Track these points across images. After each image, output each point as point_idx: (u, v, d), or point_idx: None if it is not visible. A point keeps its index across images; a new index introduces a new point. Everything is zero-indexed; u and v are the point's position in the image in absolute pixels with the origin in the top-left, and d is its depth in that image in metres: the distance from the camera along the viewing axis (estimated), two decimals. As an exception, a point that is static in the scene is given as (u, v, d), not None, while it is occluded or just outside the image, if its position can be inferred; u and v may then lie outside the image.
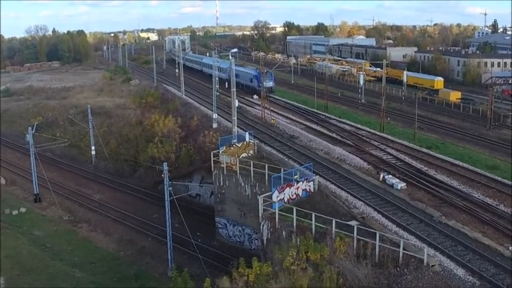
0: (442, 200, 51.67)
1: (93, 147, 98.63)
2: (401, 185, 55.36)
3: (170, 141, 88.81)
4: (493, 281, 35.72)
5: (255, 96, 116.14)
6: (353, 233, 40.07)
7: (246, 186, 58.31)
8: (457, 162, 65.43)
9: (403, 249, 37.87)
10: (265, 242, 48.44)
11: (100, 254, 64.37)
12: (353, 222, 42.98)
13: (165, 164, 57.65)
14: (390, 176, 58.10)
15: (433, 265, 37.17)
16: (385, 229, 44.05)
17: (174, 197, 56.01)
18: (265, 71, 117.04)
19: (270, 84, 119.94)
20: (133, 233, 68.51)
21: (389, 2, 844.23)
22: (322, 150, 71.11)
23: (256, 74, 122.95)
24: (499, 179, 58.70)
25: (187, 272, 47.26)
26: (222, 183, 62.17)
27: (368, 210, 48.79)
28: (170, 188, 56.38)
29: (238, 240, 61.54)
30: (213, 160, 62.61)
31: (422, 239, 41.99)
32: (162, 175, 57.04)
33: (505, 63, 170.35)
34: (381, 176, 58.38)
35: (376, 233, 39.15)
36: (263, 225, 48.31)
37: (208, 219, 66.63)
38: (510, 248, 40.49)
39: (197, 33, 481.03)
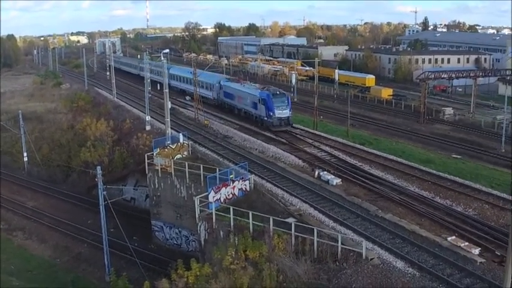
0: (378, 194, 52.23)
1: (25, 154, 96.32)
2: (336, 180, 55.78)
3: (103, 145, 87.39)
4: (433, 271, 36.14)
5: (187, 98, 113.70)
6: (291, 230, 40.08)
7: (182, 187, 57.71)
8: (391, 157, 66.37)
9: (342, 244, 37.99)
10: (203, 243, 48.01)
11: (36, 262, 62.93)
12: (290, 220, 42.92)
13: (98, 167, 56.29)
14: (325, 172, 58.46)
15: (372, 258, 37.39)
16: (323, 225, 44.19)
17: (109, 202, 54.83)
18: (277, 92, 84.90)
19: (286, 112, 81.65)
20: (69, 240, 67.15)
21: (320, 3, 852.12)
22: (256, 149, 71.16)
23: (265, 96, 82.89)
24: (434, 172, 59.83)
25: (126, 277, 46.65)
26: (157, 186, 61.46)
27: (305, 207, 48.93)
28: (104, 193, 55.18)
29: (175, 242, 60.89)
30: (147, 162, 61.85)
31: (360, 233, 42.29)
32: (96, 179, 55.82)
33: (436, 59, 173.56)
34: (316, 172, 58.68)
35: (313, 229, 39.13)
36: (200, 226, 47.90)
37: (144, 223, 65.79)
38: (448, 238, 40.96)
39: (128, 36, 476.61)
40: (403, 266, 37.11)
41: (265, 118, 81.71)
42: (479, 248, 39.28)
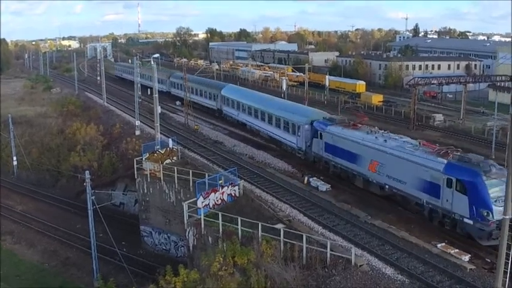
0: (368, 200, 51.93)
1: (14, 158, 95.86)
2: (326, 186, 55.58)
3: (92, 149, 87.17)
4: (422, 278, 35.98)
5: (178, 103, 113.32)
6: (280, 236, 39.82)
7: (171, 193, 57.37)
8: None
9: (331, 250, 37.78)
10: (191, 248, 47.71)
11: (25, 266, 62.38)
12: (279, 225, 42.69)
13: (87, 172, 55.71)
14: (314, 178, 58.20)
15: (361, 265, 37.22)
16: (312, 231, 43.97)
17: (97, 206, 54.36)
18: (490, 165, 42.02)
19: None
20: (58, 244, 66.64)
21: (311, 8, 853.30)
22: (246, 154, 71.11)
23: (469, 176, 41.49)
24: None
25: (113, 282, 46.31)
26: (145, 191, 61.04)
27: (294, 213, 48.78)
28: (93, 197, 54.76)
29: (164, 248, 60.53)
30: (136, 167, 61.45)
31: (349, 240, 42.12)
32: (85, 184, 55.52)
33: (426, 65, 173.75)
34: (306, 178, 58.46)
35: (302, 235, 38.93)
36: (189, 232, 47.59)
37: (133, 228, 65.36)
38: (438, 245, 40.82)
39: (119, 40, 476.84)
40: (393, 272, 36.91)
41: (469, 221, 41.37)
42: (469, 255, 39.17)
